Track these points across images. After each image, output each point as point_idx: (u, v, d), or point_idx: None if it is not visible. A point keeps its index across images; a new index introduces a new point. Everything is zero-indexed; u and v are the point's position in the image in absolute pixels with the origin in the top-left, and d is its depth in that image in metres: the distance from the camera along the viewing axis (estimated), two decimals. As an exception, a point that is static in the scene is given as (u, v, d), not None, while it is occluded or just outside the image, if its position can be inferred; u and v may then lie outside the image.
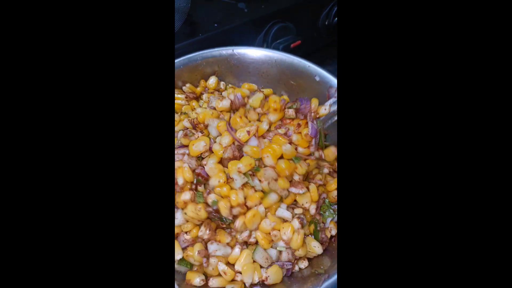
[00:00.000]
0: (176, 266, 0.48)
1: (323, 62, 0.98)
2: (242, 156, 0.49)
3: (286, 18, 0.78)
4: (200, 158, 0.52)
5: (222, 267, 0.46)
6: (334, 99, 0.53)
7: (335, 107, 0.51)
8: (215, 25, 0.75)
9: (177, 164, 0.49)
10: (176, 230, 0.49)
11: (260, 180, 0.47)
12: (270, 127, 0.54)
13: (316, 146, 0.51)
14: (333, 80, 0.59)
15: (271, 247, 0.49)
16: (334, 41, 0.90)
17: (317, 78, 0.61)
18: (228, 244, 0.49)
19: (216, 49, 0.65)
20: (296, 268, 0.50)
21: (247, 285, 0.47)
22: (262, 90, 0.64)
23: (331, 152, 0.54)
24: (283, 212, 0.49)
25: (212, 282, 0.46)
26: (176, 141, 0.57)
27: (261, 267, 0.48)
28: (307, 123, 0.51)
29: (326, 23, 0.82)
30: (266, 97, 0.58)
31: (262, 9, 0.78)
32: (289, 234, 0.47)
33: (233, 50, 0.65)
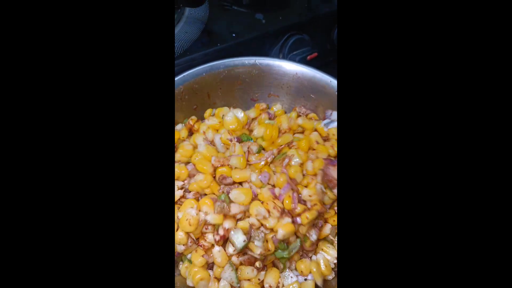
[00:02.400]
0: None
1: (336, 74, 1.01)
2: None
3: (302, 30, 0.79)
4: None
5: None
6: (328, 120, 0.55)
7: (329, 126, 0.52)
8: (233, 35, 0.75)
9: None
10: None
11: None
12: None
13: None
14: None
15: None
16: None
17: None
18: None
19: (239, 58, 0.65)
20: None
21: None
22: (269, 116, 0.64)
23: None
24: None
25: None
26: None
27: None
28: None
29: (340, 37, 0.84)
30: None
31: (279, 21, 0.79)
32: None
33: (255, 61, 0.66)
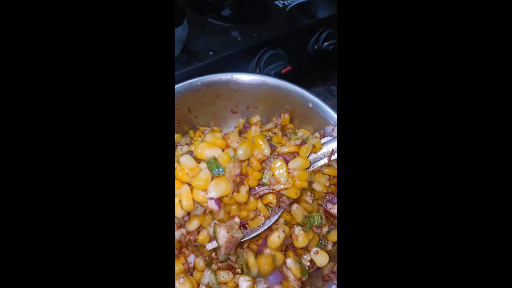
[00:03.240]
0: None
1: (314, 83, 1.06)
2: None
3: (277, 45, 0.84)
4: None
5: None
6: (329, 138, 0.56)
7: (329, 145, 0.53)
8: (210, 53, 0.79)
9: None
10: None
11: None
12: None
13: None
14: (325, 108, 0.65)
15: None
16: (323, 64, 0.98)
17: (310, 105, 0.66)
18: None
19: (215, 74, 0.69)
20: None
21: None
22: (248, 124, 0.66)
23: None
24: None
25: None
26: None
27: None
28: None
29: (316, 47, 0.89)
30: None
31: (254, 37, 0.84)
32: None
33: (232, 76, 0.70)
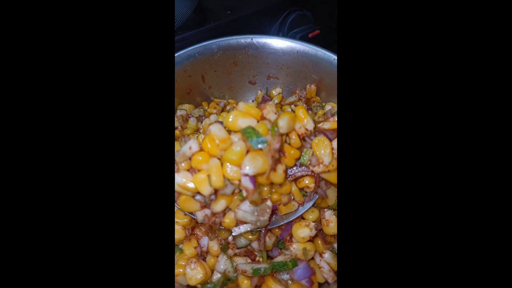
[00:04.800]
0: None
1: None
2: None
3: (304, 6, 0.73)
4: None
5: None
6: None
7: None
8: (228, 12, 0.70)
9: None
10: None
11: None
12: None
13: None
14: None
15: None
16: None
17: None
18: None
19: (234, 37, 0.60)
20: None
21: None
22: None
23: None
24: None
25: None
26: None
27: None
28: None
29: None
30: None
31: (278, -4, 0.73)
32: None
33: (252, 39, 0.61)
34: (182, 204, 0.41)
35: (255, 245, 0.45)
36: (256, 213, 0.40)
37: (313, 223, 0.44)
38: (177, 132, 0.62)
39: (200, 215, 0.41)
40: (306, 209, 0.44)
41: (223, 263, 0.46)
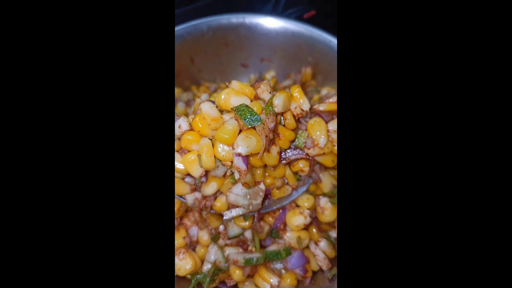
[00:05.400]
0: None
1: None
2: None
3: (299, -15, 0.70)
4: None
5: None
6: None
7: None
8: (219, -11, 0.66)
9: None
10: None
11: None
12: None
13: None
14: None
15: None
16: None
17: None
18: None
19: (224, 16, 0.56)
20: None
21: None
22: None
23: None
24: None
25: None
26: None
27: None
28: None
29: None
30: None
31: (272, -27, 0.69)
32: None
33: (244, 19, 0.57)
34: (171, 187, 0.39)
35: (248, 234, 0.43)
36: (248, 197, 0.38)
37: (308, 211, 0.42)
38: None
39: (190, 198, 0.40)
40: (299, 194, 0.43)
41: (213, 253, 0.44)
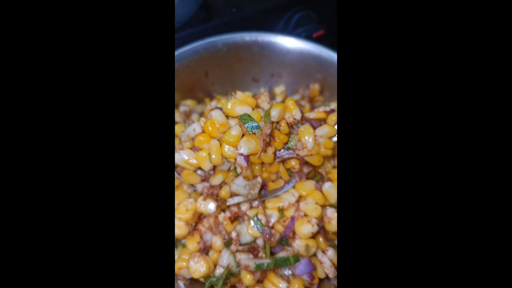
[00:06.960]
0: None
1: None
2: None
3: (308, 6, 0.74)
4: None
5: None
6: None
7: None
8: (234, 9, 0.70)
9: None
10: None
11: None
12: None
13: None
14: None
15: None
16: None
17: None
18: None
19: (239, 34, 0.60)
20: None
21: None
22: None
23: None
24: None
25: None
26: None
27: None
28: None
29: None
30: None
31: (283, -5, 0.73)
32: None
33: (257, 37, 0.61)
34: (186, 177, 0.48)
35: (259, 241, 0.46)
36: (247, 187, 0.47)
37: (315, 220, 0.44)
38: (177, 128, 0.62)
39: (200, 187, 0.48)
40: (290, 186, 0.50)
41: (226, 258, 0.46)
